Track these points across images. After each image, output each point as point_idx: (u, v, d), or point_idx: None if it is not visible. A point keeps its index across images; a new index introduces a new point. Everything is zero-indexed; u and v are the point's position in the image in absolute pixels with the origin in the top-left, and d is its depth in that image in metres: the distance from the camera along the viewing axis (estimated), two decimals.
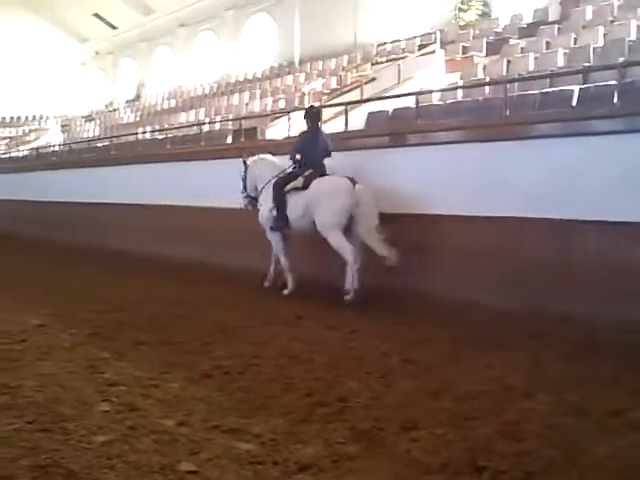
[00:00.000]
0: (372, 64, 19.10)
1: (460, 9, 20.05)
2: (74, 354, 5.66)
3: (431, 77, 15.87)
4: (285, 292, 8.78)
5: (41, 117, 39.50)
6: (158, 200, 13.00)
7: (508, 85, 8.83)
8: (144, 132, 21.13)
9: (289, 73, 23.46)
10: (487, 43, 16.42)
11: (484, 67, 13.98)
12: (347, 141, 9.57)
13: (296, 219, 8.54)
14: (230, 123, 16.76)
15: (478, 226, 7.64)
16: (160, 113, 26.93)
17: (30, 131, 37.43)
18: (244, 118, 15.43)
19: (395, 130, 9.34)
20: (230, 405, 4.32)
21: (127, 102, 34.63)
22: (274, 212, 8.77)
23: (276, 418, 4.08)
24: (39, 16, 36.26)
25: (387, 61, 18.70)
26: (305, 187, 8.44)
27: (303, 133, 9.24)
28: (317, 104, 12.62)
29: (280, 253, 8.99)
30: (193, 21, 31.30)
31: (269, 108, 18.39)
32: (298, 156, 8.72)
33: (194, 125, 18.10)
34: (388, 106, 11.79)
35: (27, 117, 39.77)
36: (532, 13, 17.75)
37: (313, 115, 9.00)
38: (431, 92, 11.95)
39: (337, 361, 5.34)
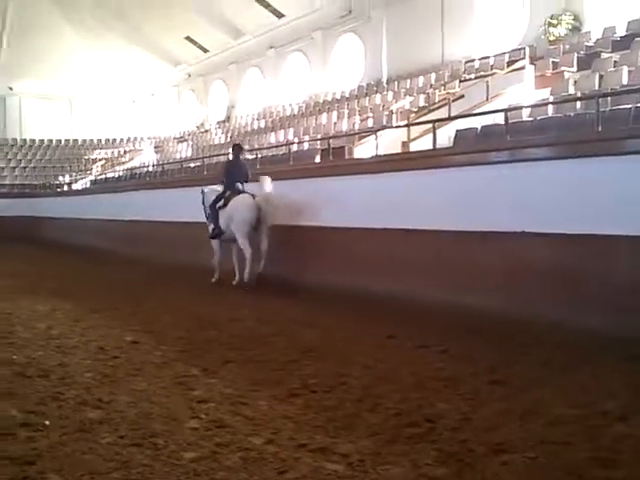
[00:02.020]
0: (460, 81, 18.92)
1: (550, 24, 19.63)
2: (165, 371, 5.79)
3: (521, 93, 15.62)
4: (213, 280, 11.97)
5: (135, 138, 40.79)
6: None
7: (600, 100, 8.61)
8: None
9: (377, 92, 23.50)
10: (578, 58, 16.05)
11: (575, 82, 13.71)
12: (435, 159, 9.51)
13: (224, 229, 11.53)
14: (318, 142, 16.89)
15: (564, 243, 7.44)
16: (250, 133, 27.41)
17: (125, 152, 38.68)
18: (332, 137, 15.53)
19: (484, 147, 9.23)
20: (317, 424, 4.32)
21: (218, 123, 35.36)
22: (211, 225, 11.91)
23: (363, 438, 4.05)
24: (134, 42, 37.51)
25: (475, 78, 18.49)
26: (226, 205, 11.43)
27: (227, 163, 12.39)
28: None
29: (216, 254, 12.10)
30: (282, 43, 31.72)
31: (357, 127, 18.46)
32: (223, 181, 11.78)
33: (283, 145, 18.33)
34: (477, 123, 11.68)
35: (122, 139, 41.14)
36: (626, 25, 17.23)
37: (236, 149, 12.12)
38: (520, 108, 11.79)
39: (425, 381, 5.29)
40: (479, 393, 4.93)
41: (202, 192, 12.54)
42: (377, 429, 4.21)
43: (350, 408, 4.64)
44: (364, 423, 4.33)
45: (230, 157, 12.55)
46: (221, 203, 11.55)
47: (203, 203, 12.45)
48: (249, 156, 19.01)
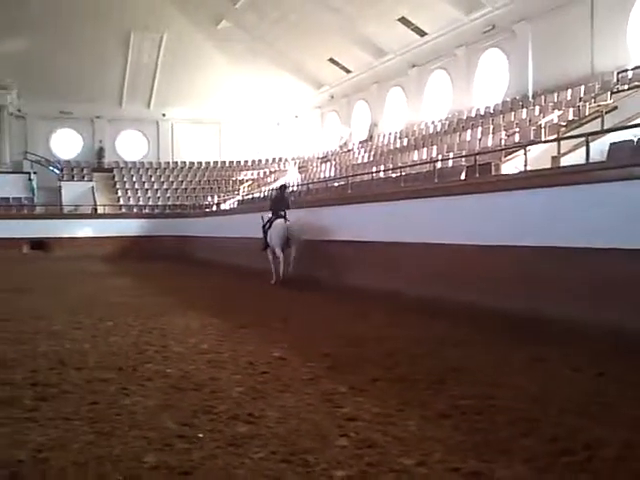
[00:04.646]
0: (612, 93, 18.13)
1: None
2: (313, 387, 5.81)
3: None
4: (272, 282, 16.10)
5: (280, 159, 41.89)
6: (391, 237, 13.15)
7: None
8: (378, 171, 21.59)
9: (522, 107, 22.91)
10: None
11: None
12: (589, 173, 9.10)
13: (268, 242, 16.13)
14: (463, 159, 16.64)
15: None
16: (393, 152, 27.41)
17: (270, 173, 39.75)
18: (478, 154, 15.23)
19: None
20: (469, 447, 4.18)
21: (360, 142, 35.62)
22: (262, 239, 16.59)
23: (518, 463, 3.88)
24: (279, 66, 38.52)
25: (629, 89, 17.67)
26: (270, 227, 16.06)
27: (274, 198, 17.50)
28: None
29: (272, 261, 16.45)
30: (424, 61, 31.53)
31: (503, 143, 18.05)
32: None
33: (427, 163, 18.19)
34: (632, 136, 11.13)
35: (267, 160, 42.38)
36: None
37: (281, 188, 17.52)
38: None
39: (581, 405, 5.02)
40: None
41: (262, 217, 16.96)
42: (532, 454, 4.02)
43: (502, 431, 4.47)
44: (518, 448, 4.15)
45: (275, 193, 17.88)
46: (267, 225, 16.30)
47: (263, 223, 16.81)
48: (392, 174, 19.10)
